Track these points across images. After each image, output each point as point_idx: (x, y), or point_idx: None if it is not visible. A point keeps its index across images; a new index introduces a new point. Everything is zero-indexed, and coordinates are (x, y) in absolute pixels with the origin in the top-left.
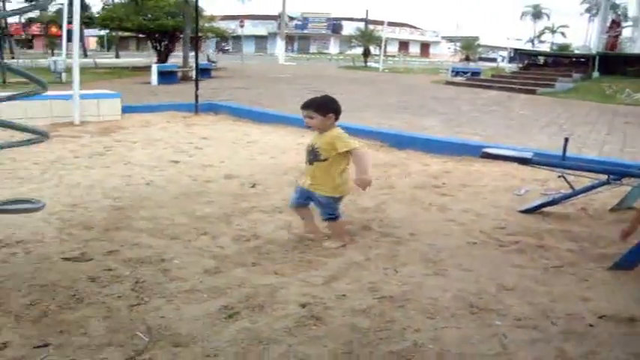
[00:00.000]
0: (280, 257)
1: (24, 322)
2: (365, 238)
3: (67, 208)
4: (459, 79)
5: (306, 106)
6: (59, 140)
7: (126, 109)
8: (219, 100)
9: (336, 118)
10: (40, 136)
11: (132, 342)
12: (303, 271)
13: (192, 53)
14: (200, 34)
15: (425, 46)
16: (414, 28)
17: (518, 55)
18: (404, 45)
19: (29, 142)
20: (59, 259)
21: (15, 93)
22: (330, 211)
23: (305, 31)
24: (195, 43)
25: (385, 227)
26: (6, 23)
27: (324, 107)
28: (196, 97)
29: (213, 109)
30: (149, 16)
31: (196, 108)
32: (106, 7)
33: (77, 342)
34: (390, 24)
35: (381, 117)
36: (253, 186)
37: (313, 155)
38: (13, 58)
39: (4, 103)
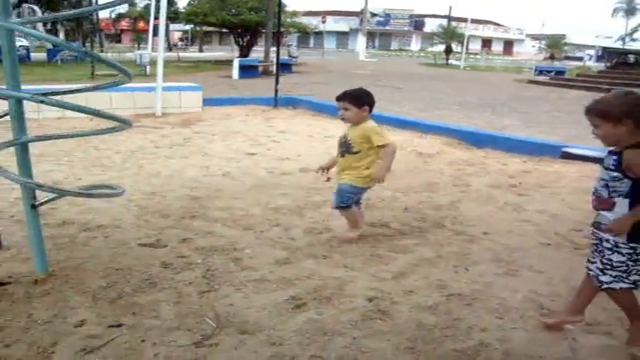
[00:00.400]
0: (352, 251)
1: (100, 302)
2: (437, 235)
3: (146, 196)
4: (542, 78)
5: (342, 97)
6: (141, 130)
7: (207, 102)
8: (299, 94)
9: (370, 111)
10: (123, 124)
11: (200, 327)
12: (373, 265)
13: (274, 48)
14: (282, 29)
15: (508, 44)
16: (498, 25)
17: (606, 53)
18: (487, 42)
19: (113, 129)
20: (136, 244)
21: (102, 83)
22: (345, 198)
23: (387, 28)
24: (277, 38)
25: (458, 225)
26: (97, 19)
27: (360, 99)
28: (276, 91)
29: (292, 103)
30: (233, 11)
31: (276, 102)
32: (191, 2)
33: (148, 324)
34: (474, 21)
35: (460, 115)
36: (328, 180)
37: (345, 147)
38: (102, 51)
39: (91, 92)
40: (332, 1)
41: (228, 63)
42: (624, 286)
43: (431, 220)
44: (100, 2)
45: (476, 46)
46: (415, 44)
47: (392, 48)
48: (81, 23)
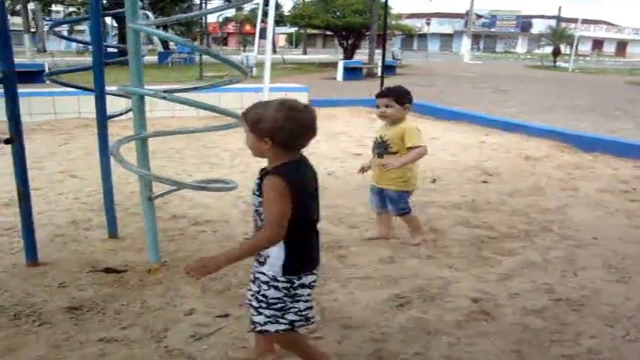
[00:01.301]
0: (456, 252)
1: (209, 293)
2: (544, 239)
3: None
4: None
5: (385, 94)
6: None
7: (313, 103)
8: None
9: (409, 109)
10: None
11: None
12: (477, 267)
13: (378, 50)
14: (387, 32)
15: (622, 45)
16: (611, 25)
17: None
18: (598, 43)
19: (229, 126)
20: (243, 239)
21: (218, 81)
22: (402, 205)
23: (492, 30)
24: (383, 41)
25: (566, 229)
26: (205, 22)
27: (402, 97)
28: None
29: None
30: (337, 14)
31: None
32: (296, 5)
33: None
34: (585, 21)
35: (568, 118)
36: (434, 181)
37: (383, 147)
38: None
39: (201, 92)
40: (436, 3)
41: (332, 65)
42: (280, 328)
43: (537, 223)
44: (209, 6)
45: (586, 47)
46: (521, 46)
47: (497, 50)
48: (190, 27)
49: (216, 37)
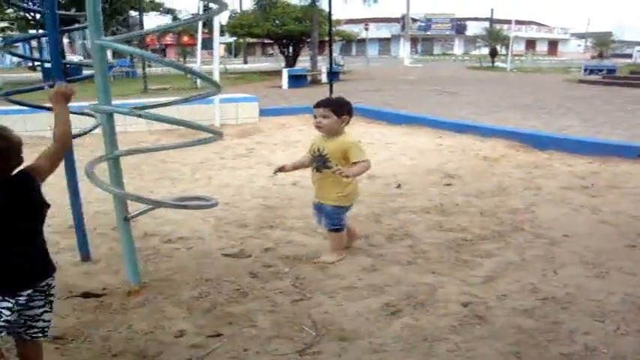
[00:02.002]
0: (435, 256)
1: (195, 312)
2: (517, 239)
3: (221, 207)
4: (593, 77)
5: (323, 104)
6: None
7: (262, 113)
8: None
9: (347, 123)
10: (215, 135)
11: (299, 335)
12: (459, 270)
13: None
14: (327, 38)
15: (553, 44)
16: (541, 25)
17: None
18: (531, 43)
19: (204, 141)
20: (219, 255)
21: (194, 95)
22: (336, 221)
23: (428, 33)
24: (329, 47)
25: (537, 228)
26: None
27: (341, 108)
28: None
29: None
30: (277, 22)
31: None
32: (233, 15)
33: (247, 333)
34: (517, 22)
35: (518, 117)
36: (398, 186)
37: (321, 162)
38: (149, 66)
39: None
40: (372, 8)
41: (275, 73)
42: None
43: (508, 223)
44: (146, 19)
45: (520, 47)
46: (458, 48)
47: (434, 53)
48: (128, 41)
49: (154, 49)
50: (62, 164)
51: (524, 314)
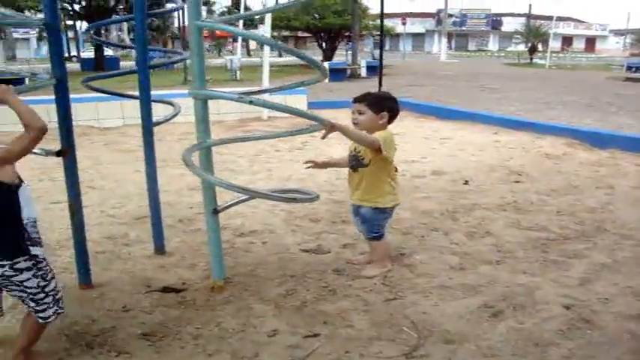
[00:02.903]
0: (522, 256)
1: (285, 311)
2: (604, 240)
3: None
4: (638, 75)
5: (359, 99)
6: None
7: (310, 105)
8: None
9: (390, 121)
10: (319, 124)
11: (400, 337)
12: (551, 271)
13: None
14: (364, 32)
15: (590, 41)
16: (579, 21)
17: None
18: (567, 40)
19: (307, 130)
20: (298, 250)
21: (298, 82)
22: (376, 228)
23: (463, 28)
24: (381, 40)
25: (620, 229)
26: (180, 27)
27: (379, 103)
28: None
29: None
30: (316, 15)
31: None
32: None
33: (345, 334)
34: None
35: (569, 115)
36: (466, 183)
37: (356, 160)
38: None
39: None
40: (406, 3)
41: (312, 67)
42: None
43: (589, 223)
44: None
45: (556, 43)
46: (493, 44)
47: (469, 48)
48: (163, 31)
49: (187, 41)
50: (141, 154)
51: (634, 319)
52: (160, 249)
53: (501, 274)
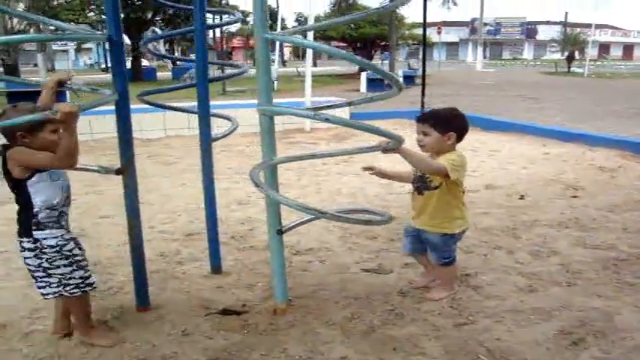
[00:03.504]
0: (594, 277)
1: (353, 336)
2: None
3: None
4: None
5: (424, 118)
6: (300, 147)
7: (352, 117)
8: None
9: (459, 140)
10: (394, 141)
11: None
12: (629, 294)
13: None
14: (401, 42)
15: (628, 48)
16: (616, 29)
17: None
18: (604, 47)
19: (380, 147)
20: (358, 269)
21: (370, 96)
22: (447, 254)
23: (497, 37)
24: (424, 50)
25: None
26: (219, 36)
27: (445, 123)
28: (422, 104)
29: None
30: (352, 25)
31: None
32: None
33: None
34: (589, 26)
35: (616, 125)
36: (522, 197)
37: (422, 182)
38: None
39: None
40: (440, 11)
41: (349, 77)
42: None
43: None
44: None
45: (593, 51)
46: (527, 52)
47: (503, 57)
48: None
49: (220, 53)
50: (183, 166)
51: None
52: (216, 268)
53: (574, 297)
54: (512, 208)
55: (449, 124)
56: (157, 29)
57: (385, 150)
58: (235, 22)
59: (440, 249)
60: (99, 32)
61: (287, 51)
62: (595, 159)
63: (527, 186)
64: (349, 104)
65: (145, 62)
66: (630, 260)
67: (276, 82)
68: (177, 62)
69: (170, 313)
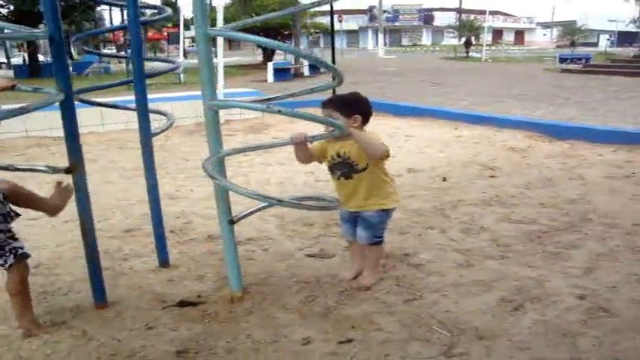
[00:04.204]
0: (522, 249)
1: (311, 318)
2: (592, 229)
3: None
4: (573, 66)
5: (327, 103)
6: None
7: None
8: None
9: (364, 123)
10: (339, 129)
11: (432, 336)
12: (553, 262)
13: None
14: (303, 31)
15: (519, 34)
16: (508, 15)
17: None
18: (497, 33)
19: (326, 135)
20: (303, 255)
21: (317, 86)
22: (380, 231)
23: (396, 24)
24: (332, 38)
25: (604, 218)
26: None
27: (349, 107)
28: (334, 91)
29: None
30: (254, 14)
31: None
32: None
33: (377, 337)
34: (483, 12)
35: (519, 107)
36: (444, 179)
37: (347, 167)
38: (119, 62)
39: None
40: (340, 1)
41: (253, 67)
42: None
43: (574, 214)
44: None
45: (488, 37)
46: (426, 39)
47: (403, 44)
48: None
49: (120, 44)
50: (140, 164)
51: None
52: (164, 262)
53: (508, 268)
54: (436, 189)
55: (353, 108)
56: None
57: (336, 137)
58: (167, 18)
59: (375, 226)
60: (38, 30)
61: (187, 42)
62: (505, 140)
63: (447, 168)
64: (291, 95)
65: (41, 57)
66: (551, 232)
67: (182, 75)
68: (76, 56)
69: (128, 308)
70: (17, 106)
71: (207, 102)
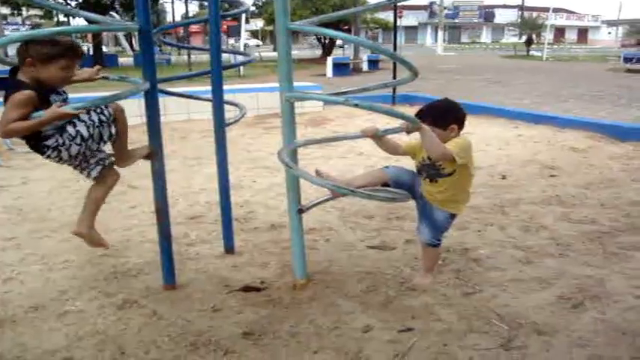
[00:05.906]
0: (582, 248)
1: (372, 307)
2: None
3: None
4: (638, 66)
5: (421, 116)
6: (278, 131)
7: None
8: (405, 91)
9: (460, 128)
10: (414, 124)
11: (492, 329)
12: (615, 263)
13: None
14: (363, 26)
15: (582, 32)
16: (571, 12)
17: None
18: (559, 31)
19: (400, 129)
20: (364, 247)
21: (390, 82)
22: (439, 235)
23: (456, 21)
24: (394, 31)
25: None
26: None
27: (444, 118)
28: (394, 89)
29: (408, 100)
30: (315, 9)
31: (393, 99)
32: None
33: (437, 327)
34: (546, 9)
35: (581, 107)
36: (504, 177)
37: (433, 170)
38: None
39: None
40: None
41: (312, 61)
42: None
43: (636, 216)
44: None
45: (550, 35)
46: (486, 36)
47: (462, 41)
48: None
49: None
50: (201, 154)
51: None
52: (230, 249)
53: (568, 266)
54: (496, 187)
55: (448, 118)
56: (114, 15)
57: (408, 131)
58: (245, 11)
59: (437, 227)
60: (130, 23)
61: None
62: (566, 140)
63: (506, 166)
64: (365, 89)
65: (104, 48)
66: (612, 233)
67: (242, 68)
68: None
69: (195, 291)
70: (109, 93)
71: (286, 94)
